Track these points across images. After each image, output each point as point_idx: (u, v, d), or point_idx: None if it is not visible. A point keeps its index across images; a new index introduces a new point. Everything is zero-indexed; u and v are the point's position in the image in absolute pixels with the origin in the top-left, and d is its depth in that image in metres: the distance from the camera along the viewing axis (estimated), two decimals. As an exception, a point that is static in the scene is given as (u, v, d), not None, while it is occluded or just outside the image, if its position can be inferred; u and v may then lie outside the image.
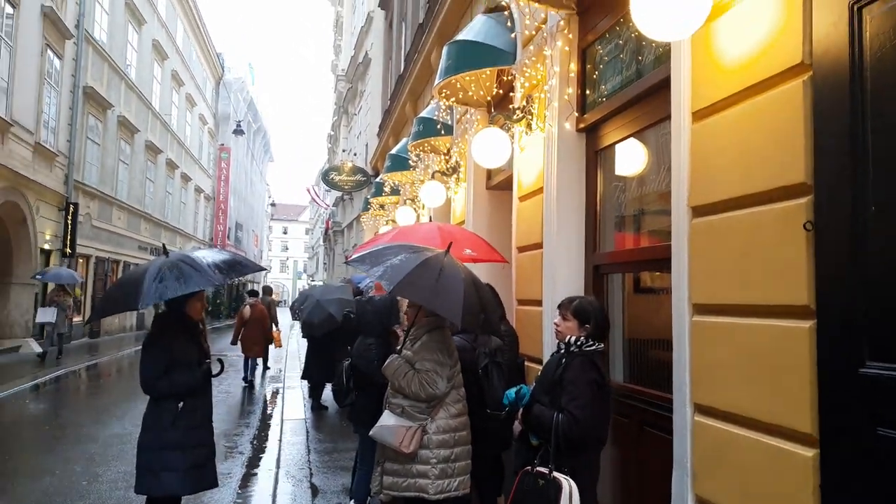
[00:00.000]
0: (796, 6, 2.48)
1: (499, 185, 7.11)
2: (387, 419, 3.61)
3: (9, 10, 14.64)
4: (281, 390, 12.04)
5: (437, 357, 3.56)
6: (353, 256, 3.67)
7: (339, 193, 27.64)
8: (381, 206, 13.90)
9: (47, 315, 15.20)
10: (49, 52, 17.01)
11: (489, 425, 3.94)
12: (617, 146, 4.56)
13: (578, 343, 3.30)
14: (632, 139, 4.37)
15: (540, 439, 3.26)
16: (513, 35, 5.83)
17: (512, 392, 3.49)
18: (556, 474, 3.03)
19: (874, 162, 2.12)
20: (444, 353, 3.61)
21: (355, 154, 25.49)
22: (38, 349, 16.82)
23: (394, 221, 10.86)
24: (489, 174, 7.44)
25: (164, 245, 4.77)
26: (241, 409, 10.60)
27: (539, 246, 5.15)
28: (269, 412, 10.25)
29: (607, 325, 3.54)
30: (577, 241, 4.87)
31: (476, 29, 6.21)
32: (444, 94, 6.81)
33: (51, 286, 16.58)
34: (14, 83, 15.02)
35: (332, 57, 39.79)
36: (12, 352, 16.15)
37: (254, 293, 13.96)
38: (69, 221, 18.66)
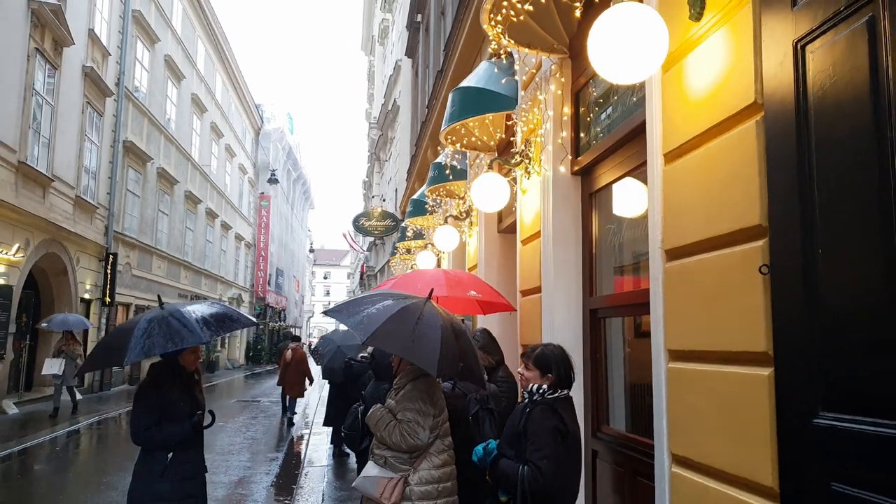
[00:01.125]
0: (748, 45, 2.44)
1: (508, 228, 7.09)
2: (370, 470, 3.56)
3: (50, 70, 15.34)
4: (307, 435, 12.04)
5: (419, 406, 3.47)
6: (330, 308, 3.63)
7: (370, 238, 27.94)
8: (408, 251, 13.97)
9: (54, 366, 13.85)
10: (90, 109, 17.73)
11: (475, 476, 3.84)
12: (610, 188, 4.51)
13: (541, 391, 3.22)
14: (624, 180, 4.32)
15: (508, 494, 3.15)
16: (515, 79, 5.89)
17: (480, 447, 3.38)
18: None
19: (819, 202, 2.04)
20: (426, 403, 3.52)
21: (384, 200, 25.78)
22: (79, 396, 17.16)
23: (415, 266, 10.90)
24: (500, 218, 7.44)
25: (159, 296, 4.71)
26: (264, 453, 10.59)
27: (539, 290, 5.09)
28: (292, 457, 10.23)
29: (570, 373, 3.37)
30: (575, 284, 4.80)
31: (479, 75, 6.29)
32: (450, 140, 6.89)
33: (57, 335, 15.14)
34: (55, 139, 15.65)
35: (367, 105, 40.68)
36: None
37: (295, 338, 15.83)
38: (108, 271, 19.17)
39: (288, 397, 14.03)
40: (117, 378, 20.54)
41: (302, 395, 14.15)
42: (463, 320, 6.06)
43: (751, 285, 2.34)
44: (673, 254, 2.97)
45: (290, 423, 13.65)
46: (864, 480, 1.85)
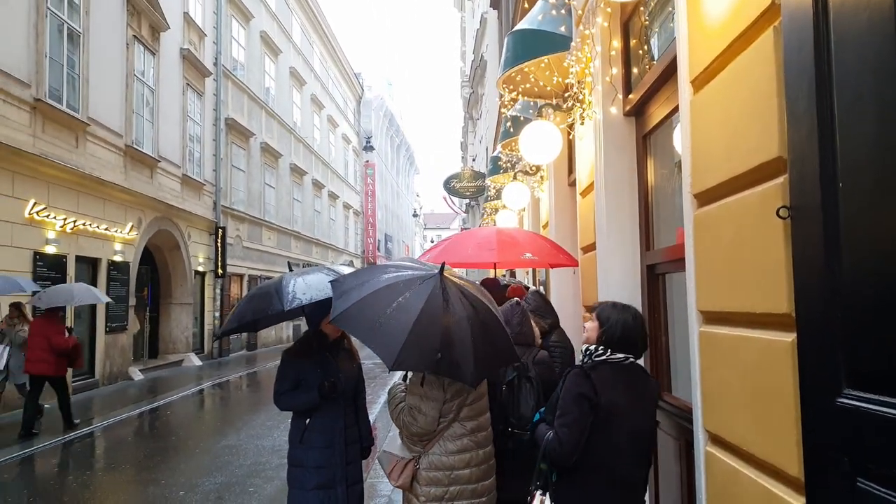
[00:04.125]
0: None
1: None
2: (391, 444, 3.35)
3: (149, 56, 16.02)
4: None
5: (424, 391, 3.12)
6: (336, 278, 3.35)
7: (466, 200, 27.77)
8: (495, 211, 13.68)
9: None
10: (190, 90, 18.42)
11: (510, 446, 3.56)
12: (664, 127, 4.03)
13: (588, 352, 2.87)
14: (676, 116, 3.84)
15: (546, 462, 2.86)
16: (570, 15, 5.42)
17: (537, 415, 3.13)
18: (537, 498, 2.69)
19: (840, 125, 1.59)
20: (435, 387, 3.13)
21: (473, 159, 25.39)
22: (199, 363, 18.27)
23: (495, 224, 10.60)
24: (570, 169, 6.99)
25: (289, 265, 4.88)
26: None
27: (595, 246, 4.70)
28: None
29: (629, 336, 2.88)
30: (631, 238, 4.36)
31: (534, 15, 5.84)
32: (508, 88, 6.49)
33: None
34: (159, 122, 16.37)
35: (461, 63, 40.17)
36: (176, 365, 17.64)
37: None
38: (219, 244, 20.08)
39: None
40: (235, 345, 21.67)
41: None
42: (506, 277, 5.67)
43: (771, 233, 1.91)
44: (701, 199, 2.54)
45: None
46: (893, 479, 1.43)
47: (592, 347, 2.87)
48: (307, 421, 3.96)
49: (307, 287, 3.82)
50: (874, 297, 1.49)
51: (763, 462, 2.02)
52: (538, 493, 2.82)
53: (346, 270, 3.92)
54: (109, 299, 12.18)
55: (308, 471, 3.91)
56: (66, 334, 9.25)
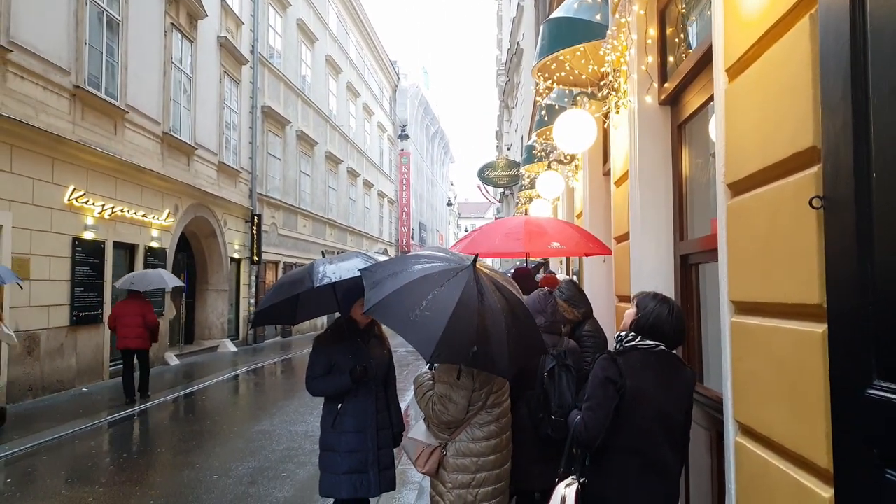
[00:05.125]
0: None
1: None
2: (417, 430, 3.37)
3: (187, 44, 16.21)
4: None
5: (452, 379, 3.13)
6: (368, 266, 3.34)
7: (500, 189, 27.64)
8: (530, 200, 13.58)
9: None
10: (227, 77, 18.62)
11: (551, 433, 3.55)
12: (700, 117, 3.94)
13: (618, 338, 2.90)
14: (711, 105, 3.73)
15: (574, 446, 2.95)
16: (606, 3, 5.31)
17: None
18: (566, 480, 2.73)
19: (875, 113, 1.52)
20: (465, 376, 3.15)
21: (508, 148, 25.22)
22: (234, 349, 18.56)
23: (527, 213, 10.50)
24: (605, 158, 6.88)
25: (322, 253, 5.07)
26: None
27: (628, 236, 4.62)
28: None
29: (663, 326, 2.86)
30: (665, 228, 4.30)
31: (570, 4, 5.75)
32: (543, 77, 6.39)
33: None
34: (196, 109, 16.60)
35: (497, 52, 39.91)
36: (212, 350, 17.94)
37: None
38: (254, 231, 20.31)
39: None
40: (270, 332, 21.95)
41: None
42: (539, 266, 5.61)
43: (804, 223, 1.86)
44: (735, 188, 2.48)
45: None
46: None
47: (623, 333, 2.91)
48: (339, 406, 4.02)
49: (338, 269, 3.91)
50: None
51: (792, 453, 2.02)
52: (570, 476, 2.84)
53: (382, 258, 3.95)
54: (182, 283, 13.47)
55: (340, 455, 3.96)
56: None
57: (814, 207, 1.75)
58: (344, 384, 4.00)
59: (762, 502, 2.23)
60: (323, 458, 4.05)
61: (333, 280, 3.82)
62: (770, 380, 2.15)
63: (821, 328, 1.80)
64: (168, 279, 11.59)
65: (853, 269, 1.62)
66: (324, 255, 4.38)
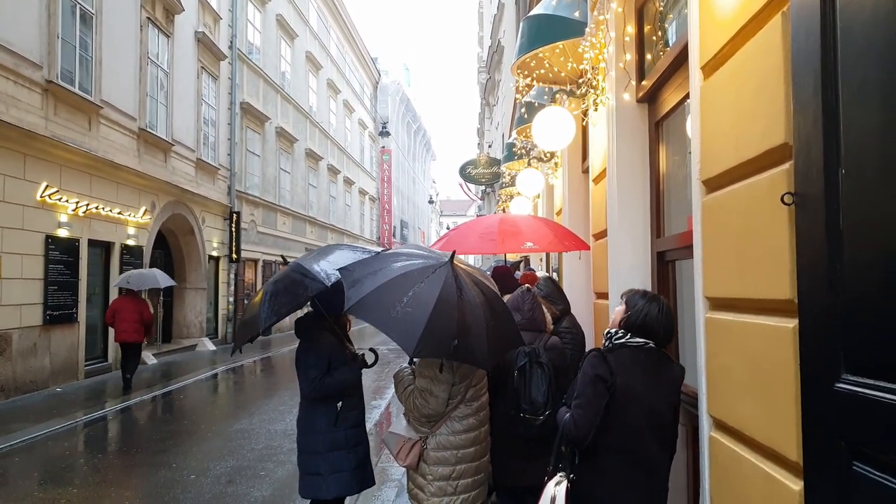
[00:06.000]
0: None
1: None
2: (397, 425, 3.39)
3: (163, 38, 16.02)
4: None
5: (433, 373, 3.18)
6: (346, 265, 3.33)
7: (482, 186, 27.68)
8: (511, 198, 13.61)
9: None
10: (205, 73, 18.42)
11: (522, 431, 3.52)
12: (676, 114, 3.95)
13: (608, 335, 2.91)
14: (687, 102, 3.74)
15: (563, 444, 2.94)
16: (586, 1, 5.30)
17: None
18: (555, 478, 2.72)
19: (844, 110, 1.53)
20: (445, 370, 3.19)
21: (489, 146, 25.26)
22: (212, 347, 18.38)
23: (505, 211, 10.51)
24: (584, 156, 6.90)
25: (282, 256, 4.98)
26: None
27: (606, 233, 4.63)
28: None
29: (651, 325, 2.85)
30: (642, 224, 4.32)
31: (549, 0, 5.74)
32: (522, 74, 6.39)
33: None
34: (173, 105, 16.40)
35: (478, 49, 39.94)
36: (190, 349, 17.77)
37: None
38: (233, 229, 20.13)
39: None
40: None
41: None
42: (519, 263, 5.63)
43: (776, 220, 1.88)
44: (710, 185, 2.49)
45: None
46: (888, 464, 1.44)
47: (613, 331, 2.91)
48: (339, 404, 3.94)
49: (330, 263, 3.85)
50: (874, 284, 1.50)
51: (764, 447, 2.06)
52: (559, 474, 2.83)
53: (364, 247, 3.95)
54: (174, 283, 13.84)
55: (348, 452, 3.92)
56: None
57: (785, 204, 1.77)
58: (354, 375, 3.99)
59: (735, 496, 2.25)
60: (326, 461, 3.90)
61: (338, 275, 3.66)
62: (743, 375, 2.18)
63: (792, 323, 1.81)
64: (161, 279, 12.41)
65: (823, 264, 1.63)
66: (307, 251, 4.33)
